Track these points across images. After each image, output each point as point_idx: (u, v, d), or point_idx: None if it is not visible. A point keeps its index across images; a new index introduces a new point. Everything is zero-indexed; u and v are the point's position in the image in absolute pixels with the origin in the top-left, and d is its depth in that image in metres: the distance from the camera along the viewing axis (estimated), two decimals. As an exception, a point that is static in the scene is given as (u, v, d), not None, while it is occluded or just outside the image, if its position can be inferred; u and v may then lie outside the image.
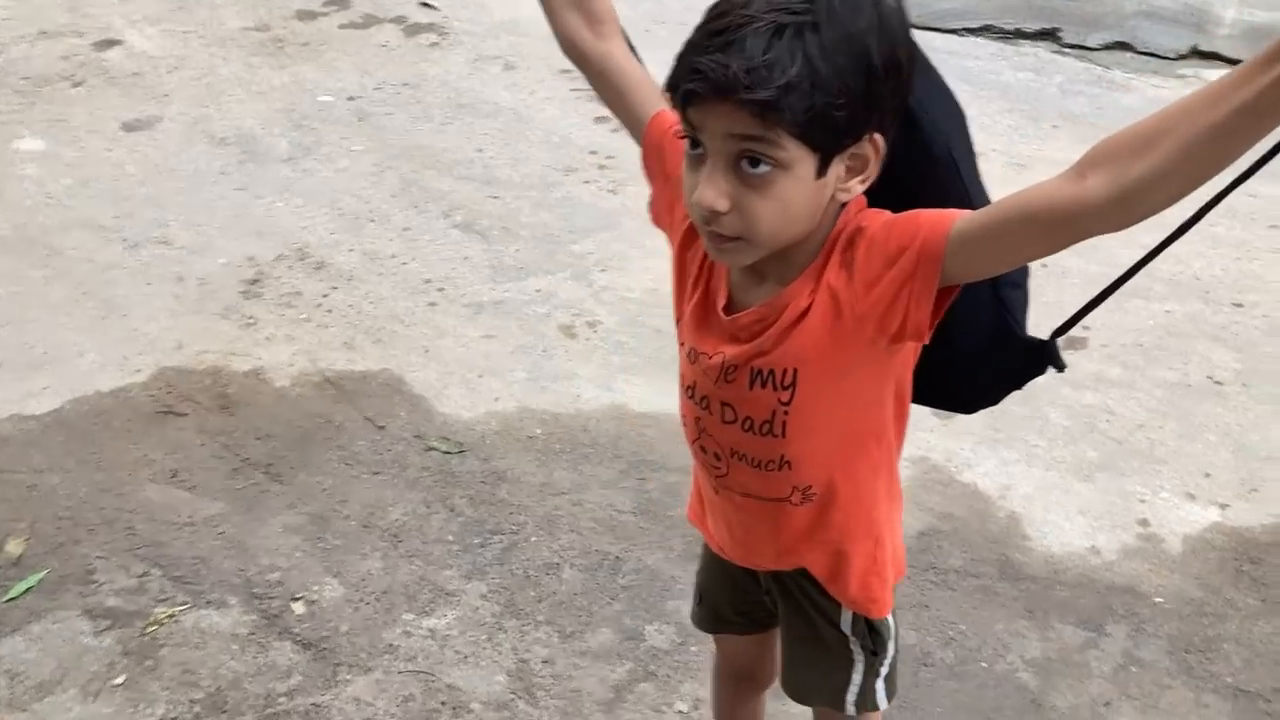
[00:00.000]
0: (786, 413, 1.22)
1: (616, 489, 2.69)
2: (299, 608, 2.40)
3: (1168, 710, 2.18)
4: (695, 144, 1.09)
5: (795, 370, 1.19)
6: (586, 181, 4.01)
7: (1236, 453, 2.78)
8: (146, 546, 2.54)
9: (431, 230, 3.74)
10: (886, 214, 1.16)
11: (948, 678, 2.23)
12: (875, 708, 1.51)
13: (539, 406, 2.96)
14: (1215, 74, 4.34)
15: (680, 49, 1.08)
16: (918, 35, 1.15)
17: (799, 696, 1.58)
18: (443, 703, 2.19)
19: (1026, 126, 4.47)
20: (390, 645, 2.31)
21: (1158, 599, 2.40)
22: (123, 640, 2.32)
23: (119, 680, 2.24)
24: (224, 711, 2.18)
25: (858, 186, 1.12)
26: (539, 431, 2.88)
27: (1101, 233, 1.01)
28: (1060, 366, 1.26)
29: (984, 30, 5.19)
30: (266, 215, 3.81)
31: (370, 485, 2.72)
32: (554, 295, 3.41)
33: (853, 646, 1.44)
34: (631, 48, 1.39)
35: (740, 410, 1.25)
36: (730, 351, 1.22)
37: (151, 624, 2.36)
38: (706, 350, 1.25)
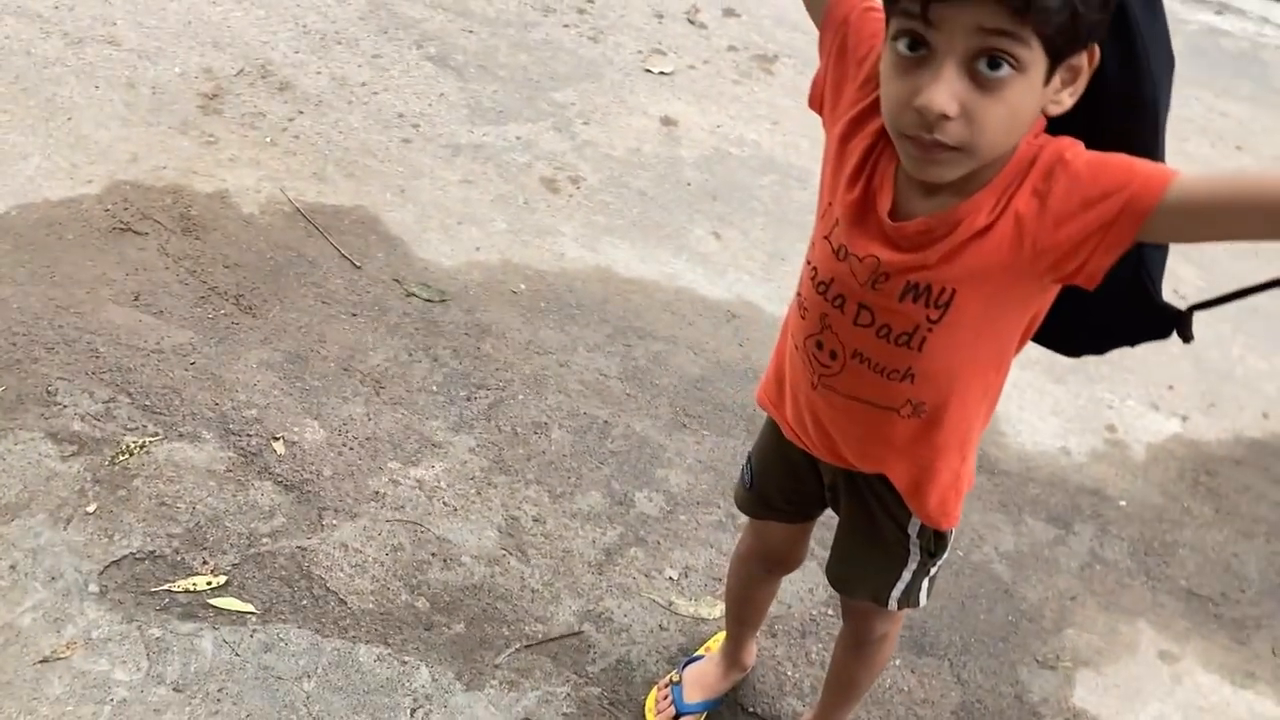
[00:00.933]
0: (930, 329, 1.19)
1: (603, 353, 2.66)
2: (279, 447, 2.33)
3: (1127, 607, 2.30)
4: (916, 44, 1.02)
5: (954, 290, 1.15)
6: (566, 25, 3.83)
7: (1197, 367, 2.88)
8: (111, 371, 2.41)
9: (403, 60, 3.54)
10: (1082, 146, 1.10)
11: (926, 563, 2.31)
12: (916, 604, 1.54)
13: (522, 261, 2.88)
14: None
15: None
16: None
17: (843, 587, 1.60)
18: (433, 554, 2.17)
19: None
20: (376, 493, 2.27)
21: (1122, 502, 2.51)
22: (92, 468, 2.22)
23: (91, 508, 2.15)
24: (204, 548, 2.12)
25: (1068, 99, 1.07)
26: (523, 287, 2.81)
27: None
28: (1188, 338, 1.24)
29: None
30: (224, 24, 3.55)
31: (349, 326, 2.62)
32: (535, 144, 3.28)
33: (911, 547, 1.46)
34: None
35: (880, 317, 1.21)
36: (887, 257, 1.17)
37: (122, 453, 2.26)
38: (858, 251, 1.20)
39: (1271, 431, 2.74)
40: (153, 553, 2.10)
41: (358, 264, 2.78)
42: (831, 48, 1.23)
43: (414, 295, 2.72)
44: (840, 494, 1.49)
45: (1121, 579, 2.35)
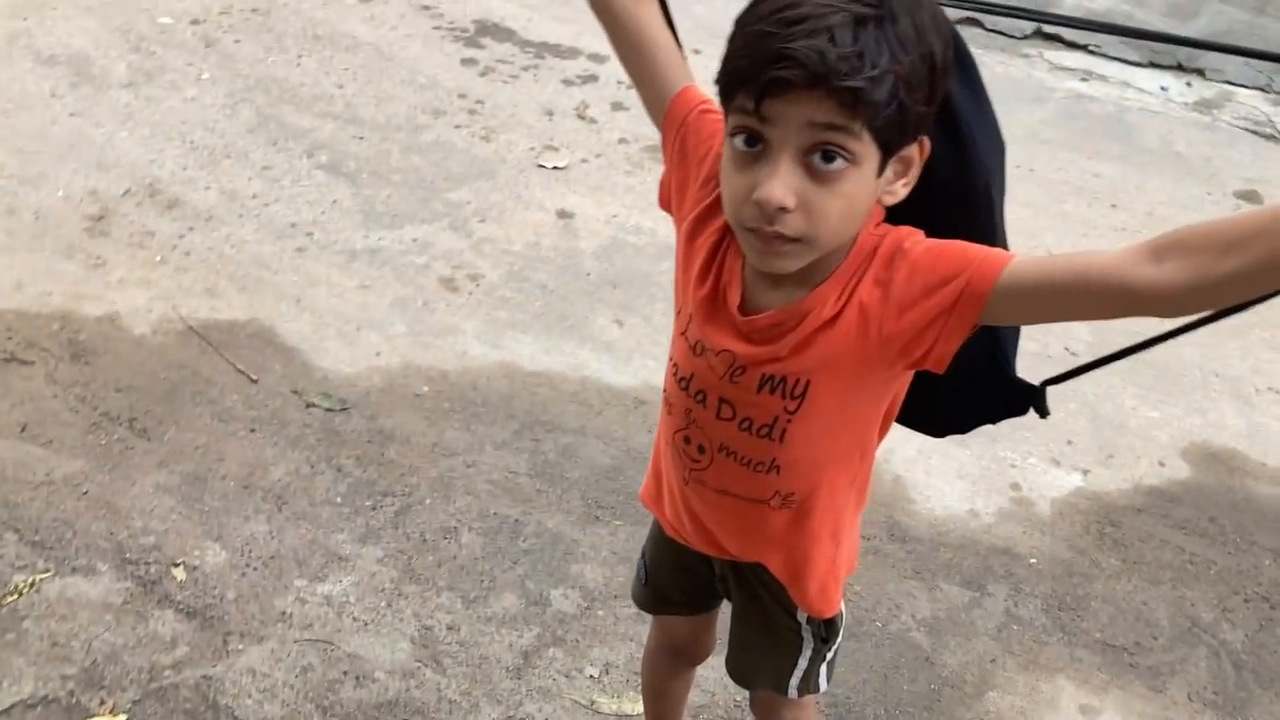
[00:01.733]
0: (790, 419, 1.20)
1: (511, 450, 2.64)
2: (179, 573, 2.25)
3: (1046, 665, 2.32)
4: (754, 140, 1.04)
5: (808, 381, 1.17)
6: (457, 126, 3.87)
7: (1093, 421, 2.96)
8: (-2, 508, 2.32)
9: (294, 170, 3.53)
10: (921, 234, 1.13)
11: (846, 637, 2.29)
12: (816, 690, 1.53)
13: (424, 362, 2.86)
14: (1057, 54, 4.47)
15: (741, 39, 1.03)
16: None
17: (743, 679, 1.59)
18: (345, 672, 2.11)
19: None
20: (283, 613, 2.20)
21: (1032, 560, 2.55)
22: (-22, 611, 2.12)
23: (-22, 655, 2.05)
24: (102, 687, 2.03)
25: (902, 189, 1.09)
26: (426, 389, 2.78)
27: (1159, 315, 1.01)
28: (1044, 413, 1.27)
29: None
30: (108, 145, 3.52)
31: (247, 443, 2.56)
32: (431, 245, 3.28)
33: (804, 634, 1.46)
34: (666, 13, 1.32)
35: (741, 410, 1.22)
36: (741, 350, 1.19)
37: (10, 593, 2.17)
38: (713, 346, 1.21)
39: (1168, 478, 2.81)
40: (45, 697, 2.00)
41: (254, 378, 2.73)
42: (673, 149, 1.26)
43: (314, 405, 2.68)
44: (730, 584, 1.49)
45: (1038, 636, 2.37)
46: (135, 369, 2.71)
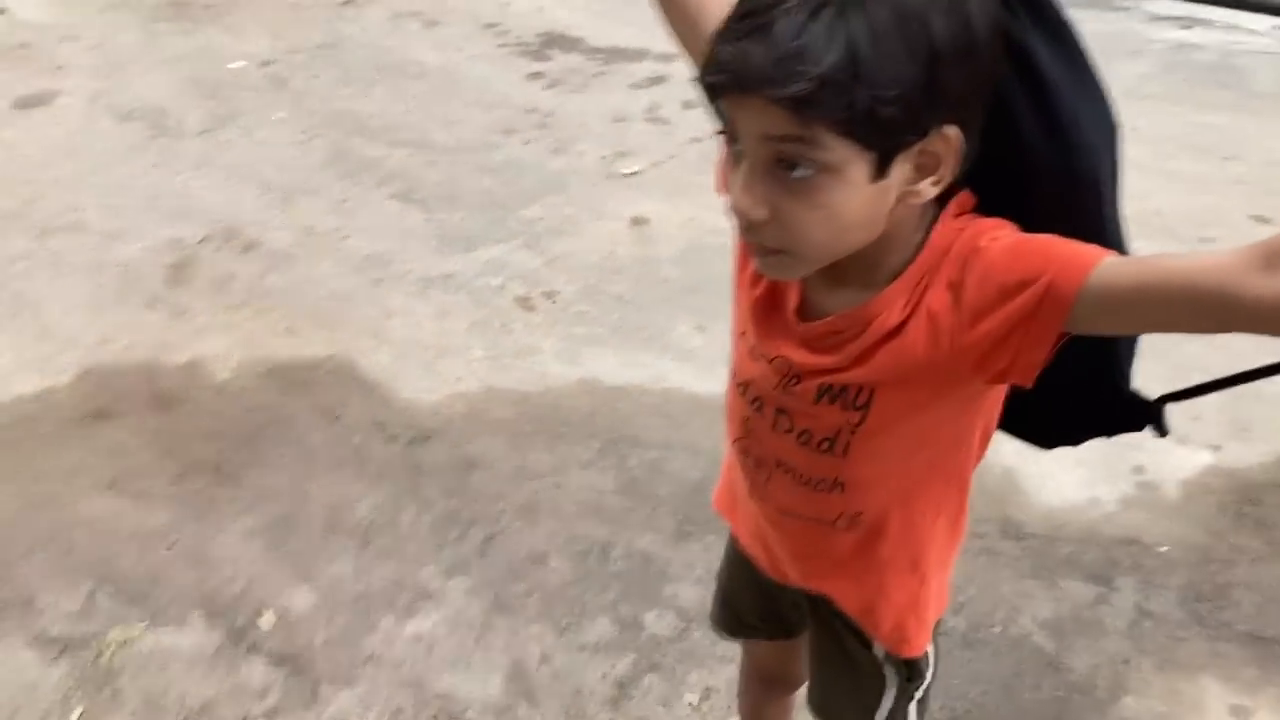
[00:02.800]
0: (853, 433, 1.07)
1: (596, 469, 2.55)
2: (268, 620, 2.22)
3: (1185, 663, 2.12)
4: (733, 140, 0.94)
5: (872, 390, 1.04)
6: (527, 142, 3.82)
7: (1224, 393, 2.73)
8: (90, 564, 2.33)
9: (368, 202, 3.52)
10: (1009, 229, 0.98)
11: (963, 646, 2.15)
12: None
13: (504, 386, 2.80)
14: (1155, 3, 4.18)
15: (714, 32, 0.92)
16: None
17: (825, 716, 1.46)
18: (436, 713, 2.04)
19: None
20: (372, 654, 2.15)
21: (1162, 548, 2.35)
22: (76, 669, 2.12)
23: (77, 713, 2.04)
24: (197, 741, 2.01)
25: (929, 189, 0.94)
26: (507, 413, 2.72)
27: (1260, 331, 0.83)
28: (1163, 432, 1.11)
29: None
30: (185, 193, 3.56)
31: (331, 481, 2.53)
32: (506, 265, 3.23)
33: (886, 671, 1.32)
34: None
35: (798, 422, 1.10)
36: (798, 359, 1.07)
37: (105, 649, 2.16)
38: (768, 352, 1.10)
39: (1310, 448, 2.58)
40: (142, 754, 1.99)
41: (335, 415, 2.70)
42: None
43: (396, 438, 2.64)
44: (804, 612, 1.37)
45: (1174, 632, 2.17)
46: (218, 415, 2.71)
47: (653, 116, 3.96)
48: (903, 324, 0.99)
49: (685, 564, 2.32)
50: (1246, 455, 2.56)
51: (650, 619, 2.21)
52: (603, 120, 3.94)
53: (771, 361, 1.09)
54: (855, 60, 0.84)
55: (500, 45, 4.43)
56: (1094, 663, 2.12)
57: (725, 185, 1.18)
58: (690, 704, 2.06)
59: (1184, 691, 2.07)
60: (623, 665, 2.12)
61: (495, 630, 2.19)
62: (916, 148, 0.91)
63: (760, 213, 0.92)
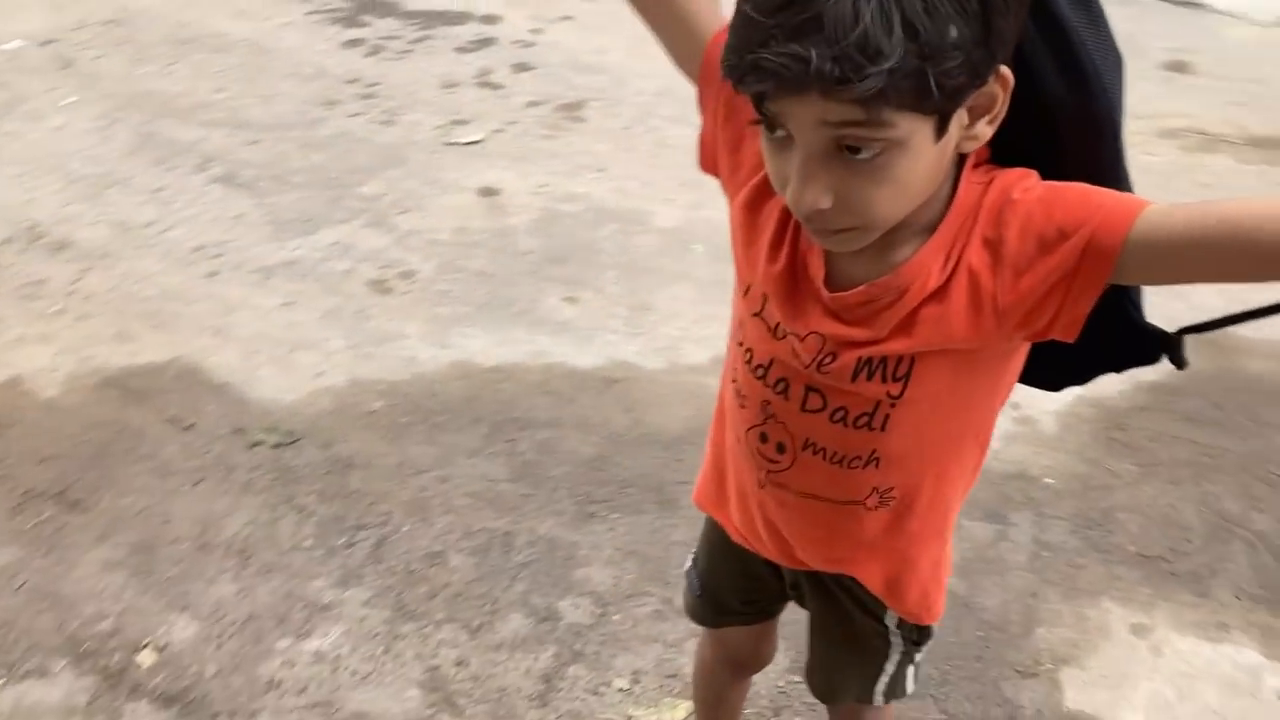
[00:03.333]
0: (894, 405, 1.01)
1: (484, 456, 2.43)
2: (147, 658, 2.02)
3: (1087, 589, 2.20)
4: (774, 127, 0.86)
5: (912, 360, 0.99)
6: (354, 114, 3.60)
7: (1077, 324, 2.85)
8: (-75, 619, 2.06)
9: (187, 189, 3.24)
10: (1035, 178, 0.94)
11: (879, 598, 2.16)
12: (903, 694, 1.37)
13: (370, 376, 2.63)
14: None
15: (735, 19, 0.83)
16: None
17: (826, 695, 1.43)
18: (353, 735, 1.91)
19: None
20: (273, 680, 1.98)
21: (1048, 480, 2.43)
22: (-75, 742, 1.87)
23: (-67, 793, 1.80)
24: (83, 802, 1.80)
25: (986, 129, 0.89)
26: (379, 405, 2.56)
27: None
28: (1182, 365, 1.08)
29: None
30: (-25, 191, 3.19)
31: (194, 497, 2.32)
32: (352, 247, 3.04)
33: (892, 639, 1.29)
34: None
35: (833, 399, 1.04)
36: (831, 332, 1.00)
37: (-43, 714, 1.92)
38: (797, 329, 1.02)
39: (1166, 371, 2.68)
40: (21, 827, 1.77)
41: (188, 424, 2.48)
42: (716, 107, 1.05)
43: (260, 443, 2.44)
44: (805, 593, 1.32)
45: (1073, 560, 2.25)
46: (53, 436, 2.44)
47: (485, 81, 3.81)
48: (943, 286, 0.94)
49: (593, 546, 2.24)
50: (1110, 384, 2.67)
51: (565, 607, 2.12)
52: (432, 87, 3.75)
53: (804, 339, 1.02)
54: (918, 39, 0.76)
55: (309, 12, 4.16)
56: (1004, 599, 2.17)
57: (710, 162, 1.09)
58: (621, 689, 1.99)
59: (1090, 617, 2.15)
60: (544, 659, 2.03)
61: (403, 639, 2.06)
62: (965, 104, 0.85)
63: (825, 200, 0.85)
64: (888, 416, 1.02)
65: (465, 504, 2.32)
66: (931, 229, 0.94)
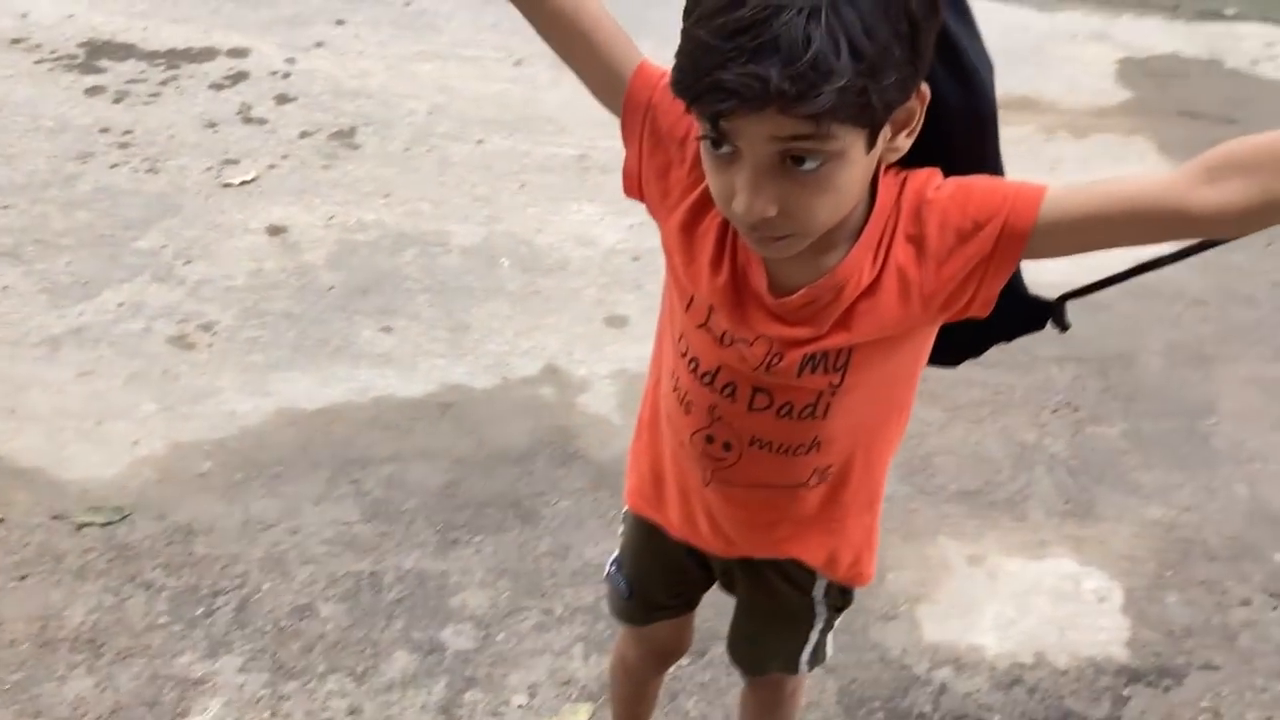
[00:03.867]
0: (834, 394, 1.11)
1: (332, 501, 2.38)
2: (8, 774, 1.88)
3: (924, 530, 2.40)
4: (720, 143, 0.93)
5: (850, 351, 1.08)
6: (114, 165, 3.40)
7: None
8: None
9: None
10: (939, 175, 1.05)
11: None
12: (824, 659, 1.48)
13: (193, 437, 2.52)
14: None
15: (686, 43, 0.89)
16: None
17: (755, 669, 1.52)
18: (256, 807, 1.85)
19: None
20: (156, 770, 1.89)
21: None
22: None
23: None
24: None
25: (905, 141, 0.99)
26: (208, 465, 2.45)
27: (1215, 236, 0.98)
28: (1064, 326, 1.22)
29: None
30: None
31: (24, 594, 2.16)
32: (143, 305, 2.88)
33: (818, 607, 1.39)
34: None
35: (779, 396, 1.12)
36: (778, 333, 1.08)
37: None
38: (745, 335, 1.10)
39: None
40: None
41: None
42: (641, 134, 1.11)
43: (88, 524, 2.30)
44: (736, 577, 1.41)
45: (906, 506, 2.45)
46: None
47: (248, 117, 3.68)
48: (876, 281, 1.04)
49: (463, 571, 2.25)
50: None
51: (448, 636, 2.12)
52: (193, 129, 3.59)
53: (753, 343, 1.09)
54: (863, 60, 0.85)
55: (38, 62, 3.88)
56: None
57: (639, 187, 1.14)
58: (520, 705, 2.02)
59: (930, 555, 2.35)
60: (438, 691, 2.03)
61: (289, 699, 2.01)
62: (893, 116, 0.94)
63: (770, 209, 0.93)
64: (829, 405, 1.12)
65: (323, 551, 2.27)
66: (857, 233, 1.04)
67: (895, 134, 0.97)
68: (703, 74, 0.86)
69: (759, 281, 1.08)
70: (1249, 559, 2.38)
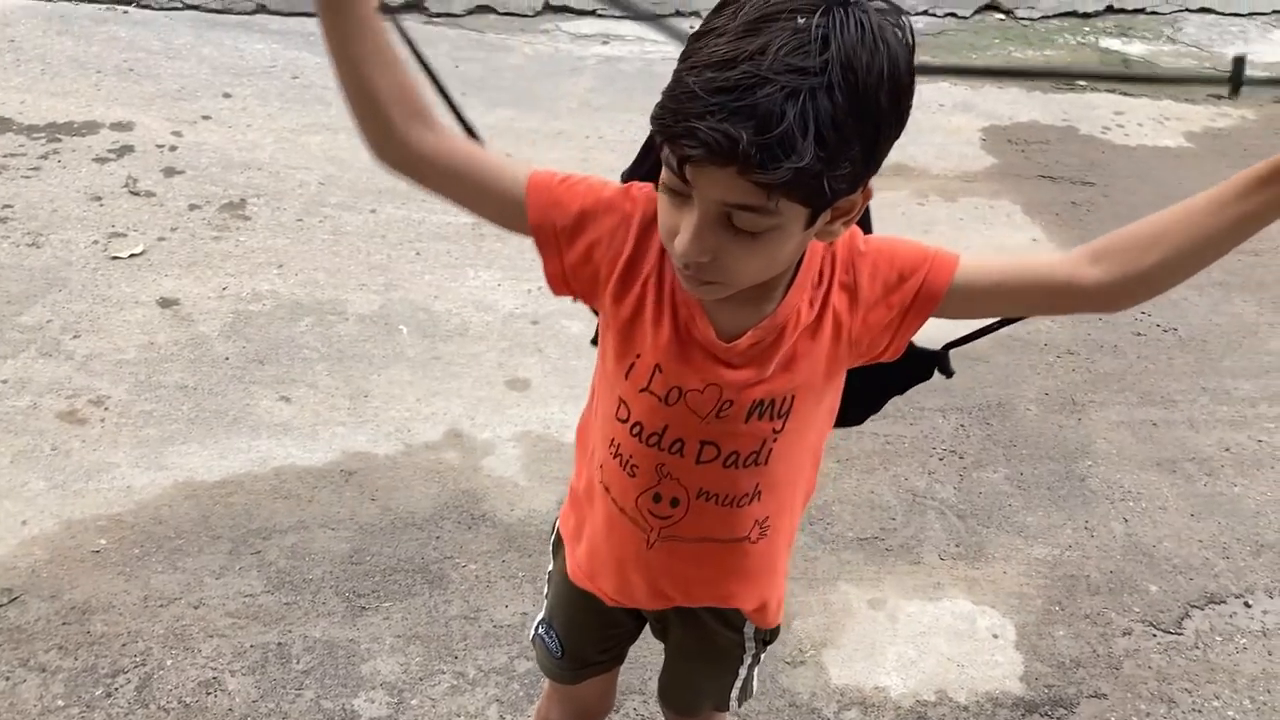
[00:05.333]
0: (775, 440, 1.18)
1: (235, 572, 2.34)
2: None
3: (824, 577, 2.47)
4: (679, 188, 0.99)
5: (793, 396, 1.16)
6: (-7, 240, 3.31)
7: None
8: None
9: None
10: (859, 231, 1.15)
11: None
12: (751, 694, 1.54)
13: (86, 514, 2.45)
14: (572, 24, 4.69)
15: (675, 87, 0.95)
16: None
17: (687, 710, 1.56)
18: None
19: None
20: None
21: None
22: None
23: None
24: None
25: (841, 228, 1.06)
26: (103, 542, 2.39)
27: (1100, 310, 1.14)
28: (949, 373, 1.34)
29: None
30: None
31: (-93, 684, 2.06)
32: (29, 381, 2.80)
33: (748, 646, 1.45)
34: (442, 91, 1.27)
35: (726, 446, 1.18)
36: (729, 379, 1.15)
37: None
38: (695, 385, 1.16)
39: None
40: None
41: (-120, 605, 2.20)
42: (557, 242, 1.16)
43: (-25, 609, 2.21)
44: (670, 623, 1.45)
45: (806, 555, 2.52)
46: None
47: (135, 190, 3.63)
48: (815, 323, 1.13)
49: (373, 638, 2.23)
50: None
51: (361, 705, 2.10)
52: (77, 202, 3.52)
53: (704, 392, 1.15)
54: (825, 146, 0.92)
55: (-99, 139, 3.77)
56: (760, 602, 2.39)
57: (567, 285, 1.19)
58: (437, 771, 2.01)
59: (833, 601, 2.42)
60: (352, 760, 2.00)
61: (196, 777, 1.96)
62: (836, 204, 1.02)
63: (705, 256, 1.00)
64: (771, 450, 1.18)
65: (227, 624, 2.23)
66: (790, 280, 1.12)
67: (834, 219, 1.05)
68: (681, 119, 0.92)
69: (705, 330, 1.14)
70: (1128, 591, 2.52)
